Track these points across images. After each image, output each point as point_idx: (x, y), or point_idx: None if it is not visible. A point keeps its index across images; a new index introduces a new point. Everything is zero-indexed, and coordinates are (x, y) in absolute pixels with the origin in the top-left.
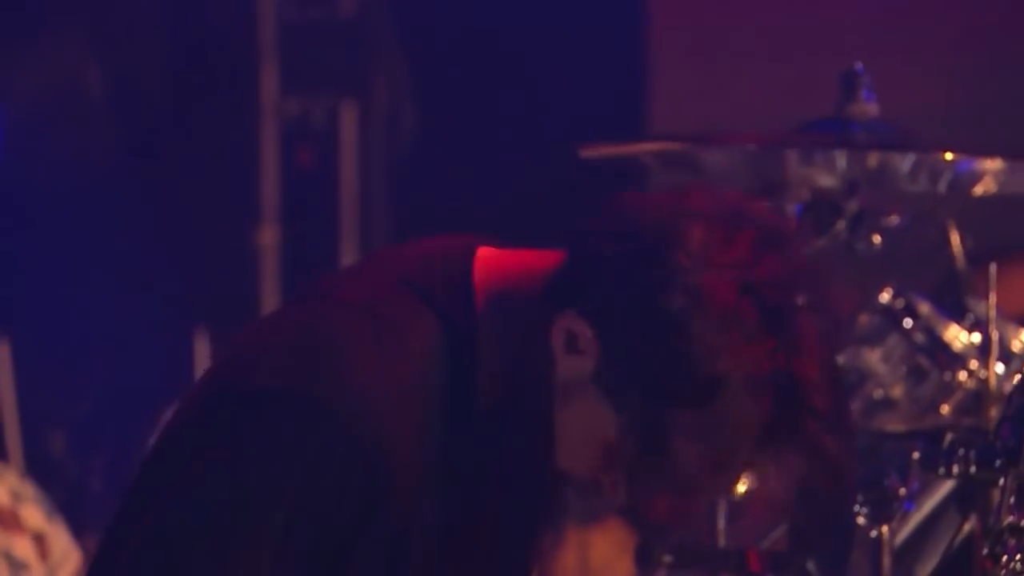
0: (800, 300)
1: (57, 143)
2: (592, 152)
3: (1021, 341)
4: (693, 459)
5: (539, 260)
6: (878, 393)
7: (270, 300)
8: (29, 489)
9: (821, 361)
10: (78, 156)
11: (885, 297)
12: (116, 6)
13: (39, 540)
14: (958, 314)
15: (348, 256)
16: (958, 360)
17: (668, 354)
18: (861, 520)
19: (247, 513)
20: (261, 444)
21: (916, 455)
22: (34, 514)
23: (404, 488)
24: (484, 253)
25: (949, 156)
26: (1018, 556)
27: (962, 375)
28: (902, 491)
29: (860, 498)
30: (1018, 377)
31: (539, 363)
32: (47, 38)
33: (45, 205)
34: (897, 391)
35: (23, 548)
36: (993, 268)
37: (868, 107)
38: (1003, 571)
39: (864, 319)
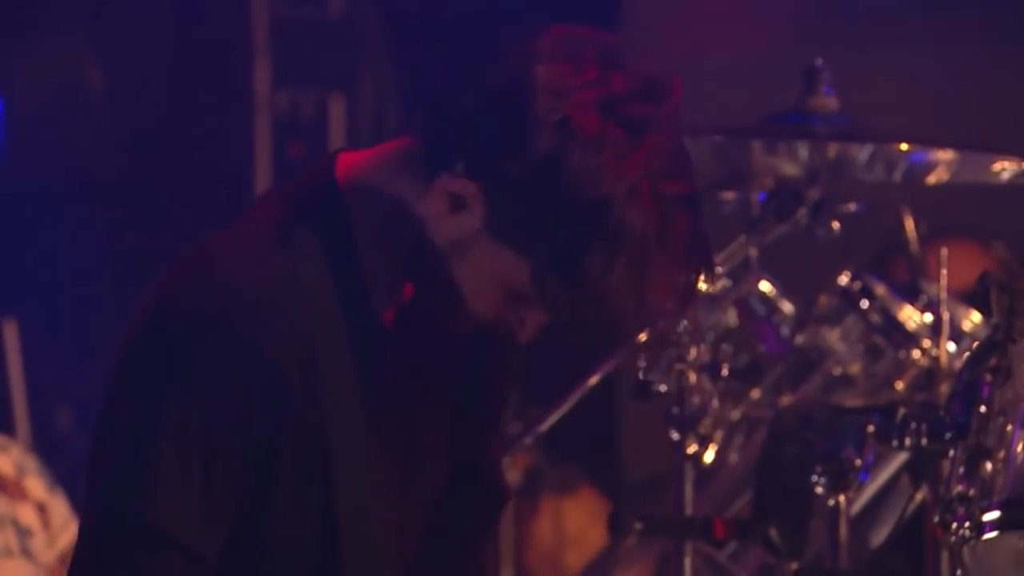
0: (651, 107)
1: (57, 135)
2: None
3: (971, 321)
4: (608, 279)
5: (396, 144)
6: (837, 370)
7: None
8: (32, 462)
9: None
10: (78, 147)
11: (843, 280)
12: (114, 3)
13: (41, 509)
14: (912, 295)
15: None
16: (911, 339)
17: (554, 189)
18: (819, 490)
19: (172, 435)
20: (171, 369)
21: (871, 428)
22: (37, 485)
23: (310, 383)
24: (344, 156)
25: (904, 147)
26: (967, 524)
27: (915, 353)
28: (858, 462)
29: (818, 469)
30: (967, 355)
31: (413, 232)
32: (47, 34)
33: (47, 193)
34: (854, 368)
35: (27, 515)
36: (944, 252)
37: (828, 100)
38: (952, 538)
39: (823, 300)
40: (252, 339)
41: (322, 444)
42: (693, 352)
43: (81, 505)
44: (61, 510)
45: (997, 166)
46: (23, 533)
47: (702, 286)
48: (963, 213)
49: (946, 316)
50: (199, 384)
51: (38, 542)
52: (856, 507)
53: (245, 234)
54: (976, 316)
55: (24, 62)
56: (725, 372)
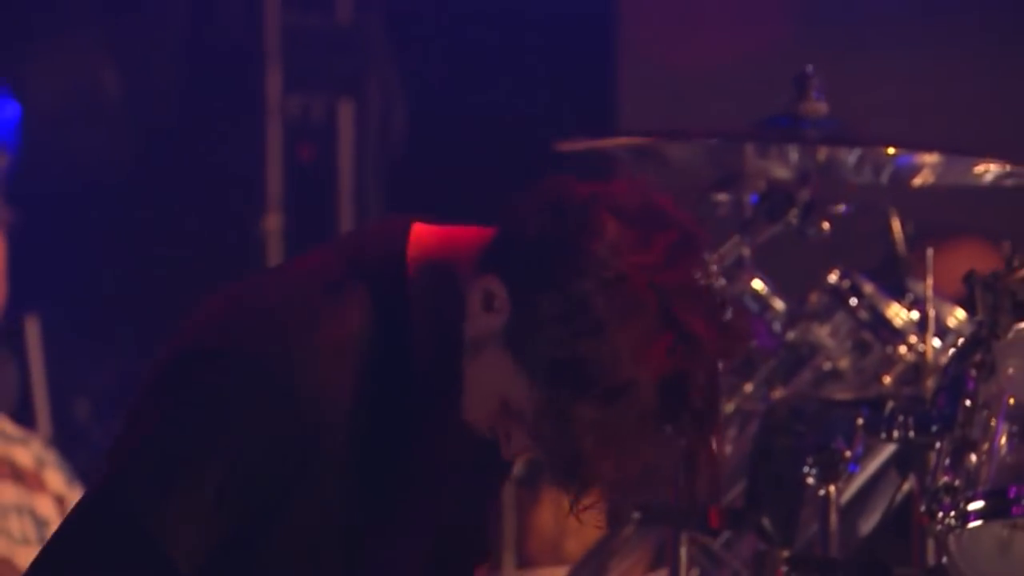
0: (699, 307)
1: (74, 139)
2: (567, 146)
3: (956, 318)
4: (589, 438)
5: (470, 234)
6: (826, 365)
7: None
8: (52, 456)
9: (708, 363)
10: (94, 150)
11: (833, 278)
12: (131, 10)
13: (60, 501)
14: (899, 293)
15: None
16: (898, 335)
17: (576, 331)
18: (810, 480)
19: (191, 457)
20: (204, 396)
21: (860, 421)
22: (56, 478)
23: (335, 433)
24: (419, 229)
25: (891, 150)
26: (952, 513)
27: (902, 349)
28: (847, 454)
29: (809, 460)
30: (952, 351)
31: (456, 318)
32: (63, 39)
33: (65, 195)
34: (844, 363)
35: (45, 507)
36: (930, 252)
37: (818, 106)
38: (939, 526)
39: (814, 297)
40: (290, 386)
41: (326, 500)
42: None
43: (87, 489)
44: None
45: (980, 168)
46: (40, 524)
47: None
48: (948, 214)
49: (932, 313)
50: (232, 418)
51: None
52: (846, 497)
53: (300, 276)
54: (960, 313)
55: (41, 67)
56: (720, 367)
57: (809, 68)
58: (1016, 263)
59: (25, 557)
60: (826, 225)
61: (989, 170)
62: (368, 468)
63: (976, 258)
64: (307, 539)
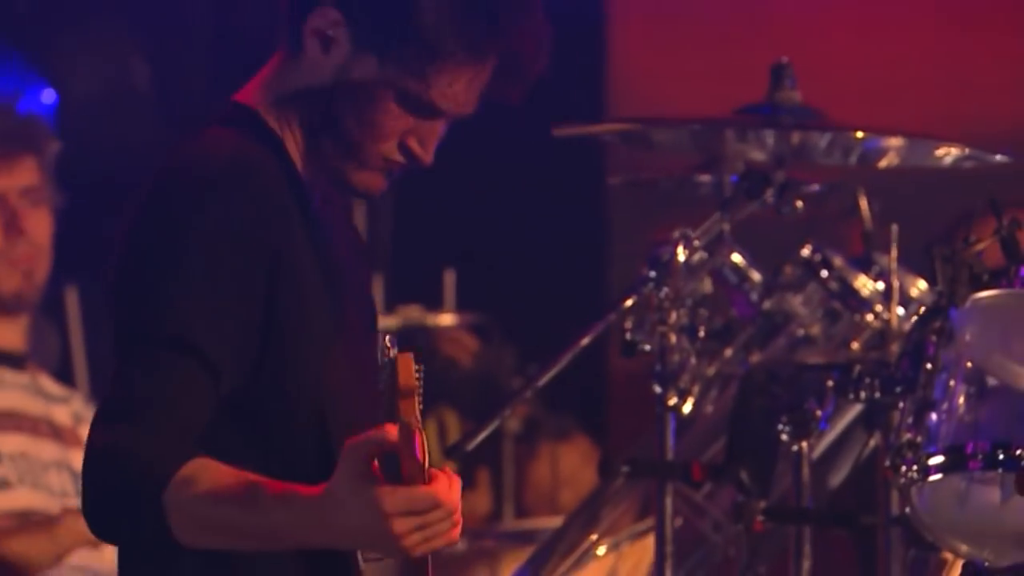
0: None
1: (108, 128)
2: (562, 131)
3: (917, 288)
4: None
5: (269, 64)
6: (799, 332)
7: None
8: (91, 413)
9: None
10: (126, 140)
11: (805, 252)
12: (162, 6)
13: None
14: (866, 266)
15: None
16: (865, 304)
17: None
18: (784, 437)
19: (197, 251)
20: (196, 204)
21: (831, 383)
22: None
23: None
24: (238, 94)
25: (859, 134)
26: (914, 467)
27: (869, 317)
28: (819, 413)
29: (784, 419)
30: (915, 319)
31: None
32: (99, 35)
33: (99, 179)
34: (815, 330)
35: (81, 462)
36: (895, 227)
37: (792, 94)
38: (902, 480)
39: (788, 269)
40: (250, 184)
41: (299, 277)
42: (673, 316)
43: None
44: None
45: (941, 151)
46: (77, 477)
47: (681, 256)
48: (910, 193)
49: (896, 284)
50: (216, 217)
51: None
52: (817, 452)
53: (216, 135)
54: (922, 284)
55: (78, 63)
56: (702, 333)
57: (784, 59)
58: (972, 238)
59: (62, 510)
60: (799, 203)
61: (949, 153)
62: (317, 258)
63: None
64: (308, 326)
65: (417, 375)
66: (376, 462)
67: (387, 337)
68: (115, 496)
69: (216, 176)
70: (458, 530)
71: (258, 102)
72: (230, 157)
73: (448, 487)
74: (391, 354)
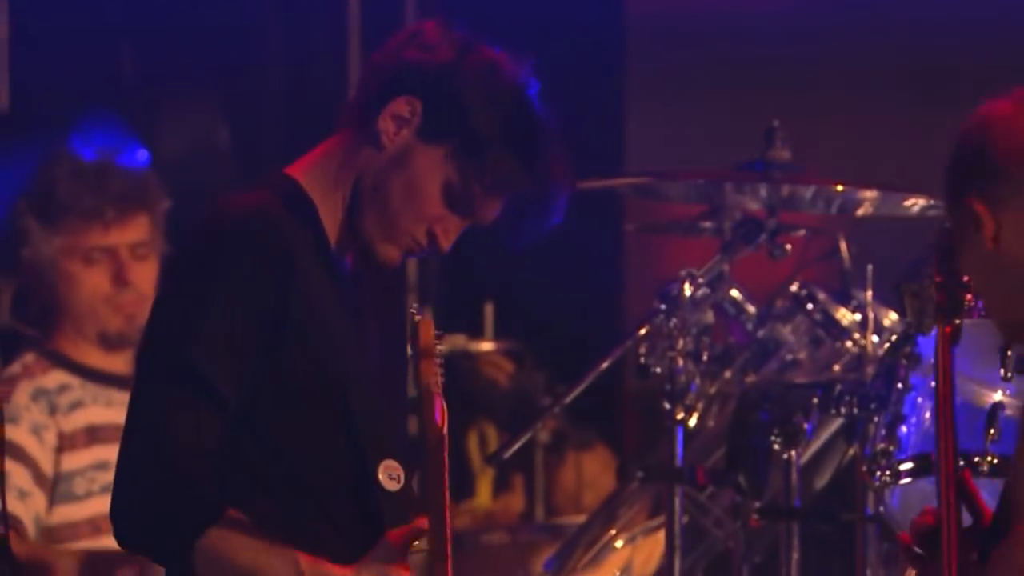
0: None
1: (194, 181)
2: (586, 184)
3: (890, 319)
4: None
5: (323, 144)
6: (788, 356)
7: None
8: None
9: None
10: (210, 192)
11: (794, 288)
12: (242, 78)
13: None
14: (845, 300)
15: None
16: (845, 333)
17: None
18: (776, 447)
19: (215, 298)
20: (227, 240)
21: (815, 400)
22: None
23: (300, 265)
24: (291, 167)
25: (840, 188)
26: (887, 472)
27: (848, 343)
28: (805, 425)
29: (775, 431)
30: (887, 345)
31: (345, 181)
32: (188, 102)
33: (187, 222)
34: (802, 354)
35: None
36: (870, 267)
37: (782, 152)
38: (877, 482)
39: (779, 303)
40: (266, 239)
41: (308, 315)
42: (681, 343)
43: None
44: None
45: (909, 202)
46: None
47: (687, 292)
48: (885, 238)
49: (871, 315)
50: (234, 268)
51: None
52: (803, 459)
53: (243, 198)
54: (894, 315)
55: (168, 124)
56: (705, 357)
57: (775, 123)
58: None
59: None
60: (788, 247)
61: (917, 203)
62: (323, 302)
63: None
64: (304, 349)
65: (437, 339)
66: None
67: (414, 305)
68: (162, 515)
69: (225, 232)
70: None
71: (304, 173)
72: (242, 215)
73: None
74: (413, 316)
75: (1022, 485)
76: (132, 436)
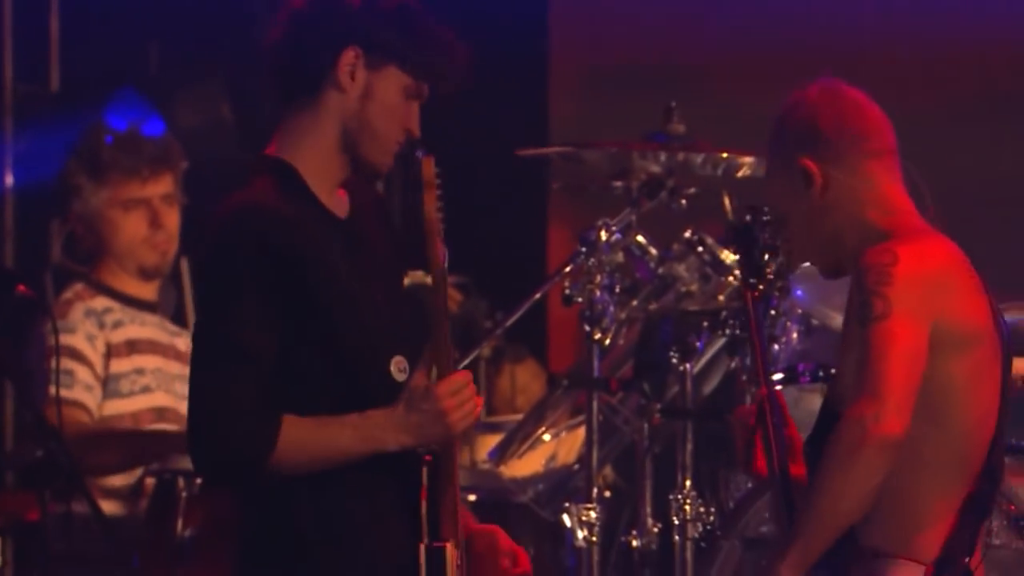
0: None
1: (203, 151)
2: (524, 152)
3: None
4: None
5: (285, 119)
6: (683, 289)
7: None
8: None
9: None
10: (216, 161)
11: (687, 234)
12: (242, 67)
13: None
14: (728, 244)
15: None
16: (728, 270)
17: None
18: (674, 360)
19: (240, 279)
20: (228, 240)
21: (705, 323)
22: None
23: (293, 234)
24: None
25: (724, 155)
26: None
27: (730, 278)
28: (697, 343)
29: (673, 348)
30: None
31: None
32: (198, 87)
33: (198, 188)
34: (694, 287)
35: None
36: (748, 218)
37: (678, 126)
38: (753, 388)
39: (675, 247)
40: (266, 237)
41: (319, 272)
42: (598, 278)
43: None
44: None
45: None
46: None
47: (603, 237)
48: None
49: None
50: (248, 263)
51: None
52: (696, 370)
53: (245, 194)
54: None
55: (181, 103)
56: (617, 290)
57: (673, 103)
58: None
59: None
60: (683, 202)
61: None
62: (328, 255)
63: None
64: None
65: (437, 175)
66: None
67: (418, 150)
68: (235, 451)
69: (234, 233)
70: (480, 409)
71: (286, 150)
72: (237, 210)
73: (468, 377)
74: (417, 156)
75: (848, 378)
76: (197, 401)
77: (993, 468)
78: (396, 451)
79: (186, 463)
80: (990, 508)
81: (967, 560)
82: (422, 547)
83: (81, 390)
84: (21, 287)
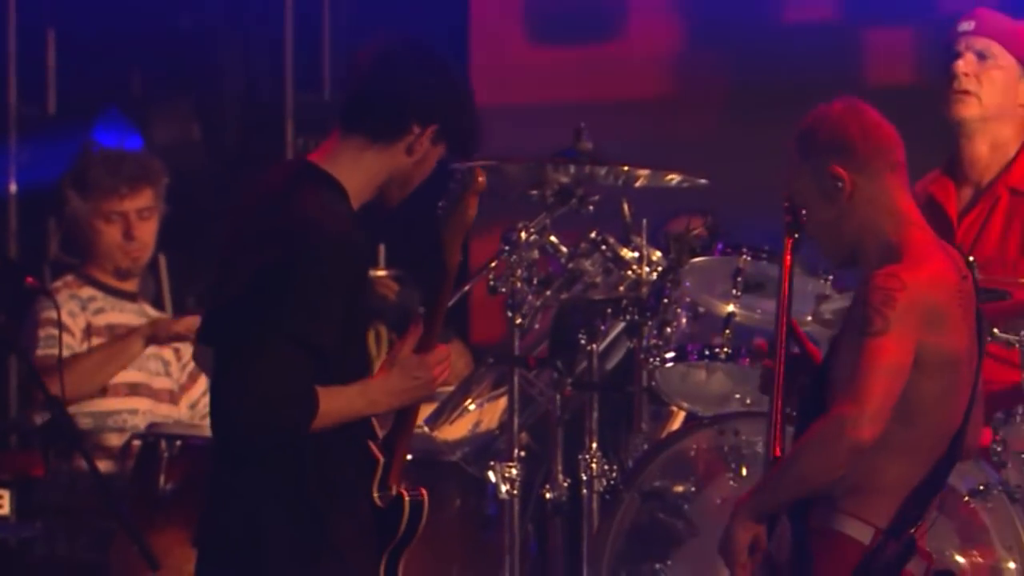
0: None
1: (175, 164)
2: (451, 165)
3: (656, 256)
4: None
5: (333, 139)
6: (589, 281)
7: None
8: None
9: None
10: (186, 171)
11: (592, 234)
12: (211, 91)
13: (176, 351)
14: (627, 243)
15: None
16: (627, 265)
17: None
18: (582, 341)
19: (322, 272)
20: (317, 242)
21: (608, 310)
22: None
23: (360, 246)
24: (312, 154)
25: (625, 168)
26: (657, 358)
27: (629, 272)
28: (601, 327)
29: (582, 331)
30: (657, 272)
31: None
32: (170, 109)
33: (174, 194)
34: (598, 280)
35: (169, 354)
36: (645, 221)
37: (587, 144)
38: (649, 365)
39: (583, 245)
40: (349, 235)
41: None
42: (518, 271)
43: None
44: (188, 351)
45: (669, 176)
46: (165, 363)
47: (523, 237)
48: (653, 203)
49: (645, 253)
50: (337, 256)
51: (174, 368)
52: (600, 348)
53: (319, 203)
54: (659, 253)
55: (157, 121)
56: (535, 282)
57: (583, 124)
58: (692, 227)
59: (156, 383)
60: (590, 207)
61: (674, 178)
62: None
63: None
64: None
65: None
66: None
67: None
68: (280, 413)
69: (313, 230)
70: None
71: (335, 167)
72: (321, 216)
73: (449, 351)
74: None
75: (840, 372)
76: (259, 375)
77: (952, 457)
78: (385, 412)
79: (168, 428)
80: (941, 488)
81: (913, 531)
82: (405, 495)
83: (65, 350)
84: (29, 279)
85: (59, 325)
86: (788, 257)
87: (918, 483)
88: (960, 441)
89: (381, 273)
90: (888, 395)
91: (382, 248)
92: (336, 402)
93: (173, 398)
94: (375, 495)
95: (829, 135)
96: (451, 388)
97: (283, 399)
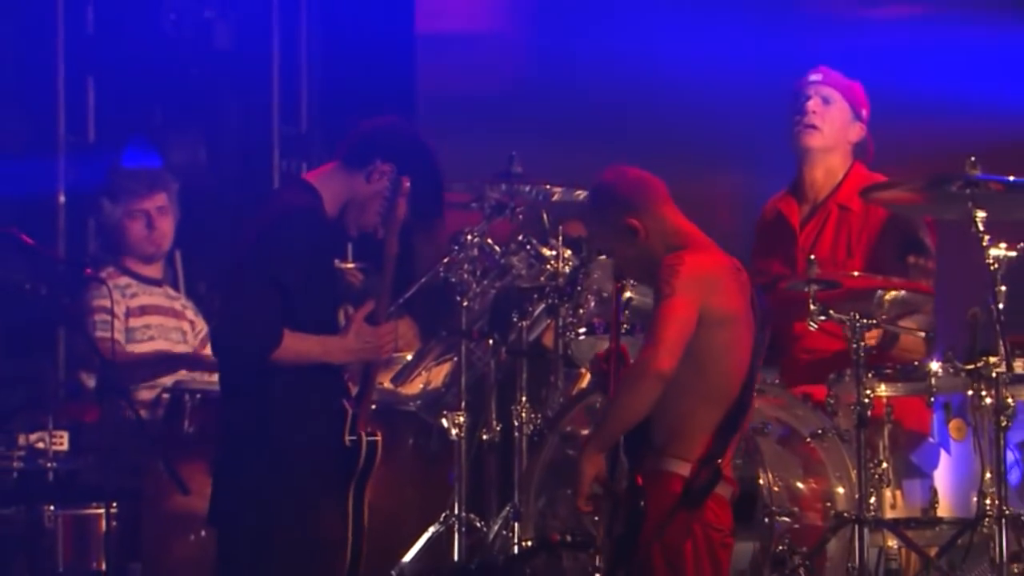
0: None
1: (185, 182)
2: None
3: (570, 253)
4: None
5: (326, 166)
6: (517, 273)
7: None
8: (191, 303)
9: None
10: (193, 188)
11: (520, 237)
12: (214, 124)
13: (192, 323)
14: (546, 243)
15: None
16: (546, 260)
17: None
18: (515, 319)
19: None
20: (291, 223)
21: (534, 295)
22: (192, 314)
23: (325, 233)
24: (307, 174)
25: (547, 186)
26: (572, 332)
27: (548, 266)
28: (530, 308)
29: (514, 312)
30: (572, 266)
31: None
32: (179, 134)
33: (184, 201)
34: (524, 272)
35: (185, 326)
36: (561, 227)
37: (517, 167)
38: (567, 337)
39: (512, 246)
40: (315, 210)
41: (322, 259)
42: (465, 265)
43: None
44: (201, 323)
45: (577, 192)
46: (186, 335)
47: (469, 239)
48: (560, 212)
49: (561, 251)
50: (304, 236)
51: (190, 336)
52: (527, 324)
53: (296, 191)
54: (570, 252)
55: (172, 147)
56: (477, 273)
57: (514, 153)
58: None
59: (179, 349)
60: (521, 216)
61: (581, 193)
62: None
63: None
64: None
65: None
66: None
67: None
68: (253, 344)
69: (291, 214)
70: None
71: (319, 182)
72: (297, 207)
73: (395, 328)
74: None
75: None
76: (240, 310)
77: (743, 402)
78: (338, 364)
79: (190, 384)
80: (739, 427)
81: (719, 461)
82: (363, 436)
83: (115, 331)
84: (88, 271)
85: (111, 311)
86: (615, 296)
87: (719, 423)
88: (749, 391)
89: (349, 265)
90: (679, 338)
91: (350, 246)
92: (299, 344)
93: None
94: (346, 438)
95: (615, 197)
96: (409, 355)
97: (251, 325)
